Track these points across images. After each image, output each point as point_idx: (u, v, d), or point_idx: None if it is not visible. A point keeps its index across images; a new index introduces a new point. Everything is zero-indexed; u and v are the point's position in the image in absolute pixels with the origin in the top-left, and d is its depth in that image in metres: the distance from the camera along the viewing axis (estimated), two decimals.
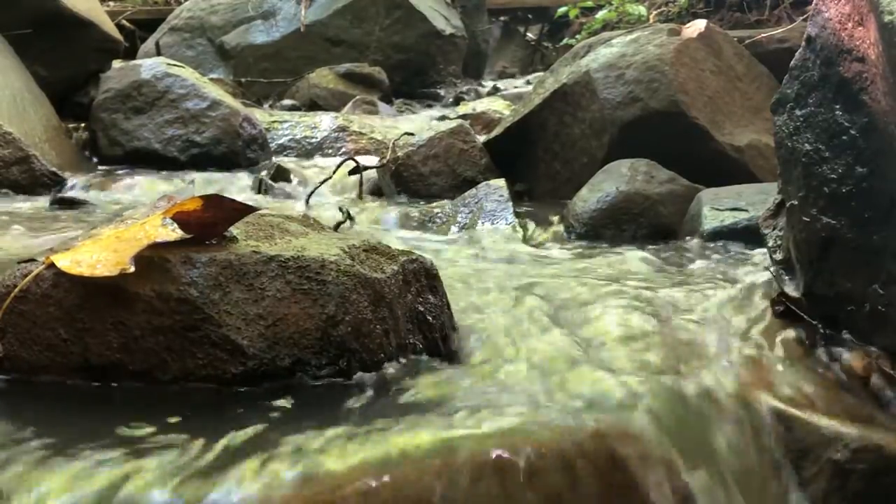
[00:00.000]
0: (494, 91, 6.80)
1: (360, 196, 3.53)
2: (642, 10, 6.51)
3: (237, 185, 3.73)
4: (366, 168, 3.63)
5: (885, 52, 1.41)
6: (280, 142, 4.49)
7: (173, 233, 1.42)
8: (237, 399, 1.31)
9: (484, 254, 2.55)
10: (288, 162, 4.10)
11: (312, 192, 3.44)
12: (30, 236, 2.60)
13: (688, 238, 2.63)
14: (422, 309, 1.55)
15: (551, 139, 3.54)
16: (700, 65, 3.35)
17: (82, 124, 4.34)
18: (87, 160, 4.17)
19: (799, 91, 1.67)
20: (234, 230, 1.48)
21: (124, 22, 7.40)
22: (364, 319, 1.40)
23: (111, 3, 8.00)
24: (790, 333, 1.69)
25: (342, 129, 4.54)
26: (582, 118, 3.42)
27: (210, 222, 1.43)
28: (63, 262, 1.35)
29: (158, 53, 6.39)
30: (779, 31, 4.51)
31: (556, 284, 2.04)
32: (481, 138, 3.80)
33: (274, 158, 4.25)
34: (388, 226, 3.05)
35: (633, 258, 2.45)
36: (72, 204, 3.18)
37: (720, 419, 1.47)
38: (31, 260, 1.41)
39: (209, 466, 1.11)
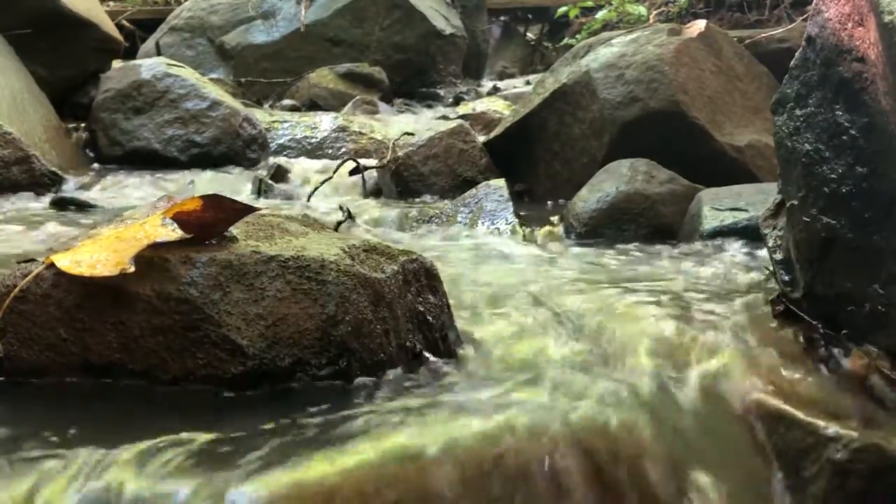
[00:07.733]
0: (494, 91, 6.79)
1: (361, 196, 3.53)
2: (642, 10, 6.50)
3: (237, 185, 3.73)
4: (366, 168, 3.63)
5: (885, 52, 1.41)
6: (280, 142, 4.49)
7: (173, 233, 1.42)
8: (237, 399, 1.31)
9: (484, 254, 2.55)
10: (288, 162, 4.10)
11: (313, 193, 3.44)
12: (29, 236, 2.60)
13: (688, 238, 2.63)
14: (422, 309, 1.55)
15: (551, 139, 3.54)
16: (700, 65, 3.35)
17: (82, 124, 4.34)
18: (87, 160, 4.17)
19: (799, 91, 1.67)
20: (234, 230, 1.48)
21: (124, 22, 7.40)
22: (364, 319, 1.40)
23: (111, 3, 7.99)
24: (790, 333, 1.69)
25: (342, 129, 4.54)
26: (582, 118, 3.42)
27: (210, 222, 1.43)
28: (63, 262, 1.35)
29: (158, 53, 6.38)
30: (779, 31, 4.51)
31: (555, 284, 2.04)
32: (481, 138, 3.80)
33: (274, 158, 4.25)
34: (388, 226, 3.04)
35: (633, 258, 2.46)
36: (72, 204, 3.18)
37: (719, 419, 1.47)
38: (31, 260, 1.41)
39: (208, 466, 1.11)
